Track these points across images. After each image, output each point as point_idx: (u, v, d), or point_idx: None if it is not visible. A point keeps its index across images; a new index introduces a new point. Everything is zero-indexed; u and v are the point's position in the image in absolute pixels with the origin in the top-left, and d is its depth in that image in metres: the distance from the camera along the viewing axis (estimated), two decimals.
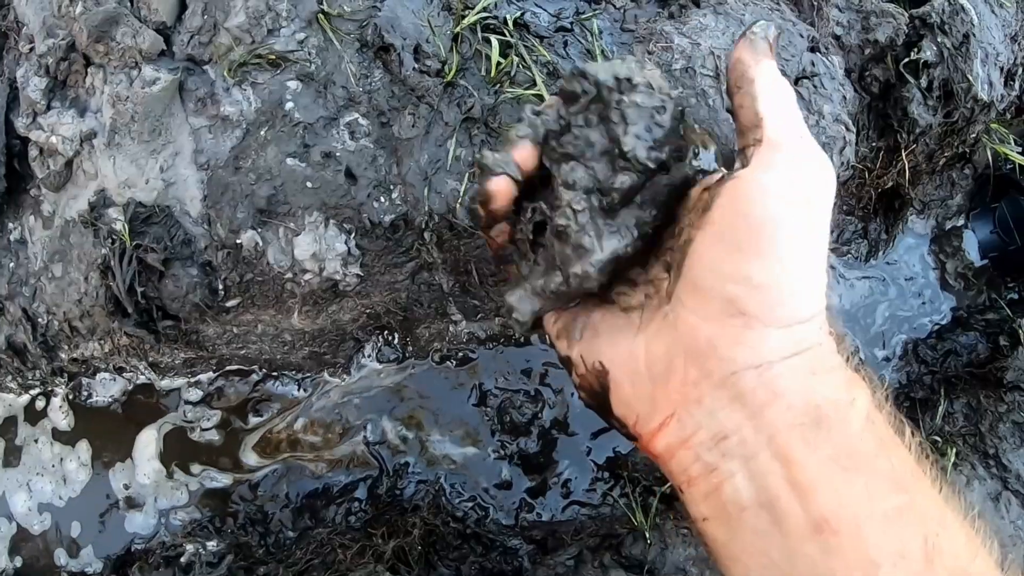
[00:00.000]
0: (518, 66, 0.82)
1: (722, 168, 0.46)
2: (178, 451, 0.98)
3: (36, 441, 1.03)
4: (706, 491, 0.37)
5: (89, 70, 0.95)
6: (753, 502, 0.35)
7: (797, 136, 0.39)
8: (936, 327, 1.07)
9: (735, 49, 0.43)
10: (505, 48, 0.83)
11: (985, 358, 1.02)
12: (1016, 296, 1.11)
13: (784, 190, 0.37)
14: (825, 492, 0.33)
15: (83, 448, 0.98)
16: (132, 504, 0.95)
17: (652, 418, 0.39)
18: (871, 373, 0.39)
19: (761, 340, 0.36)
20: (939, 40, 0.95)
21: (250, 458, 0.96)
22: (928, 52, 0.94)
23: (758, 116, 0.40)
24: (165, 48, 0.91)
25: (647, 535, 0.84)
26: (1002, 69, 1.00)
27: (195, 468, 0.97)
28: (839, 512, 0.33)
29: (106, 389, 0.99)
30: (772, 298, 0.36)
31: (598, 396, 0.43)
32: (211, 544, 0.91)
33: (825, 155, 0.40)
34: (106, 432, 0.99)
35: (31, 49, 1.00)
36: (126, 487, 0.95)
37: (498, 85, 0.82)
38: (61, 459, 1.00)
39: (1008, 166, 1.09)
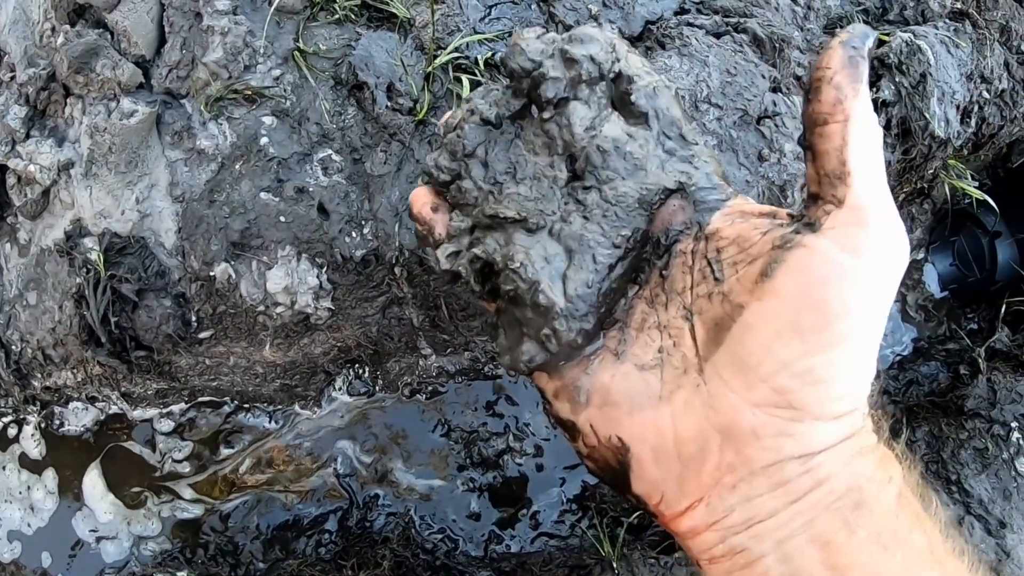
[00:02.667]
0: None
1: (726, 185, 0.40)
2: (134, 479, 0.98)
3: (3, 468, 1.03)
4: (729, 570, 0.36)
5: (68, 100, 0.96)
6: None
7: (884, 208, 0.34)
8: (898, 358, 1.10)
9: (827, 58, 0.34)
10: (476, 87, 0.85)
11: (946, 387, 1.05)
12: (975, 326, 1.14)
13: (865, 280, 0.33)
14: (863, 571, 0.33)
15: (50, 476, 0.98)
16: (103, 537, 0.95)
17: (679, 501, 0.37)
18: (901, 447, 0.38)
19: (809, 432, 0.34)
20: (897, 80, 0.98)
21: (186, 493, 0.96)
22: (887, 91, 0.98)
23: (844, 168, 0.34)
24: (143, 81, 0.93)
25: (615, 565, 0.85)
26: (958, 107, 1.04)
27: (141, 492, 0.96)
28: None
29: (78, 418, 0.99)
30: (828, 394, 0.33)
31: (614, 473, 0.39)
32: (181, 575, 0.91)
33: (902, 225, 0.35)
34: (76, 462, 0.99)
35: (12, 77, 1.02)
36: (93, 531, 0.94)
37: None
38: (28, 487, 1.00)
39: (966, 200, 1.13)
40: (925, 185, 1.06)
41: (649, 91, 0.40)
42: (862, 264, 0.33)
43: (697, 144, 0.41)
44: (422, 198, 0.45)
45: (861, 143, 0.34)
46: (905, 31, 1.01)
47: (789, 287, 0.33)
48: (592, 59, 0.40)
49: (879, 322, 0.34)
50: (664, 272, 0.39)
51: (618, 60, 0.41)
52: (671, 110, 0.40)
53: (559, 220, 0.40)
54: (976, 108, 1.07)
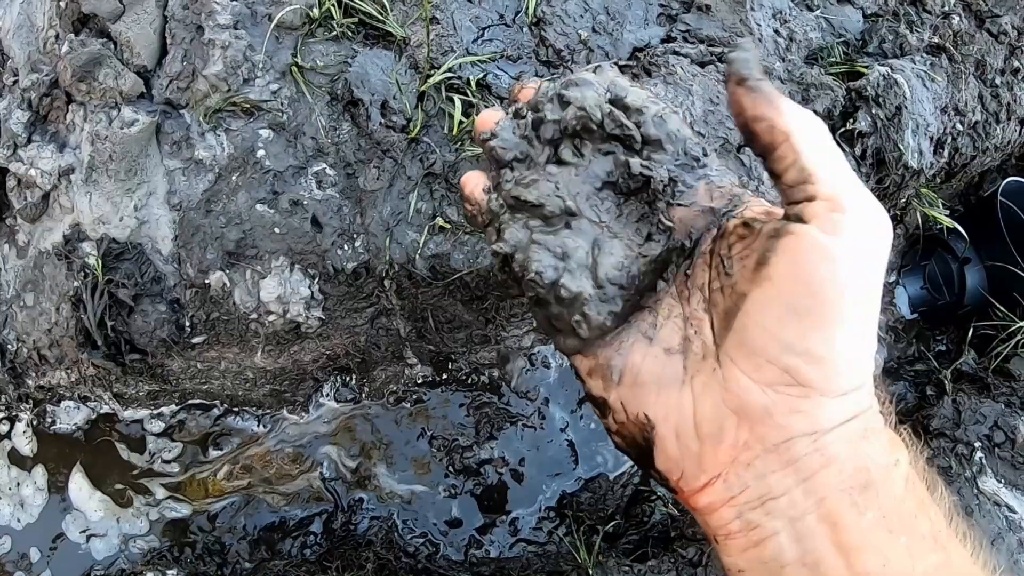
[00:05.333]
0: None
1: (740, 188, 0.44)
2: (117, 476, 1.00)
3: None
4: (745, 546, 0.37)
5: (71, 107, 0.99)
6: (796, 561, 0.36)
7: (855, 190, 0.36)
8: None
9: (739, 105, 0.38)
10: (467, 107, 0.88)
11: (913, 406, 1.09)
12: (943, 348, 1.19)
13: (850, 258, 0.35)
14: (870, 553, 0.35)
15: (39, 473, 1.00)
16: (94, 535, 0.97)
17: (698, 478, 0.39)
18: (908, 432, 0.39)
19: (817, 409, 0.35)
20: (873, 112, 1.02)
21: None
22: (863, 123, 1.02)
23: (805, 172, 0.36)
24: (145, 91, 0.95)
25: (590, 572, 0.88)
26: (932, 138, 1.08)
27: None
28: (883, 573, 0.34)
29: (70, 417, 1.01)
30: (831, 370, 0.35)
31: (639, 448, 0.42)
32: (170, 573, 0.93)
33: (881, 207, 0.37)
34: (66, 459, 1.01)
35: (15, 82, 1.04)
36: (84, 531, 0.97)
37: (459, 143, 0.87)
38: (18, 483, 1.02)
39: (937, 227, 1.17)
40: (898, 212, 1.10)
41: (657, 119, 0.44)
42: (846, 244, 0.35)
43: (708, 156, 0.45)
44: (475, 180, 0.49)
45: (810, 145, 0.37)
46: (883, 64, 1.05)
47: (782, 272, 0.36)
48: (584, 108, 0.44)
49: (872, 297, 0.36)
50: (688, 271, 0.43)
51: (624, 94, 0.45)
52: (682, 131, 0.44)
53: (587, 213, 0.44)
54: (949, 139, 1.11)
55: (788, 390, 0.35)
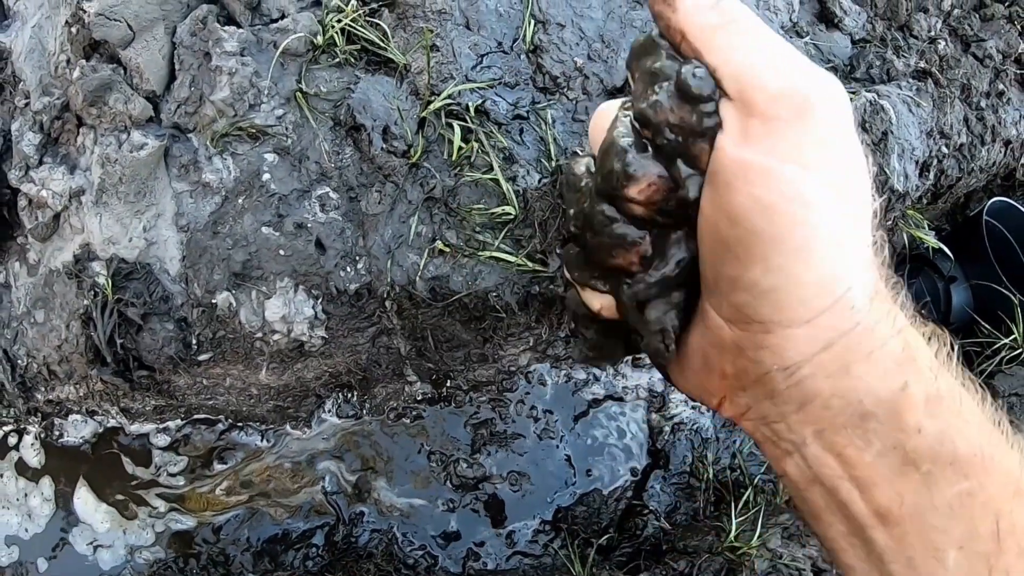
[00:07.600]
0: (478, 151, 0.91)
1: None
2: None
3: (1, 476, 1.07)
4: (773, 456, 0.36)
5: (81, 130, 1.02)
6: (814, 483, 0.34)
7: (770, 78, 0.30)
8: None
9: (652, 11, 0.33)
10: (466, 133, 0.91)
11: None
12: None
13: (767, 169, 0.29)
14: (882, 487, 0.32)
15: (47, 484, 1.03)
16: (100, 546, 1.00)
17: (709, 400, 0.38)
18: (936, 329, 0.34)
19: (782, 342, 0.32)
20: (860, 137, 1.05)
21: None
22: None
23: (711, 68, 0.31)
24: (153, 115, 0.98)
25: None
26: (917, 162, 1.11)
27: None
28: (899, 506, 0.32)
29: (77, 430, 1.03)
30: (783, 300, 0.31)
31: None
32: None
33: (821, 71, 0.31)
34: (73, 471, 1.04)
35: (26, 104, 1.07)
36: (91, 543, 0.99)
37: (459, 168, 0.90)
38: (26, 494, 1.04)
39: (923, 247, 1.20)
40: (885, 233, 1.13)
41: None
42: (759, 152, 0.29)
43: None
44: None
45: (708, 35, 0.31)
46: (870, 90, 1.08)
47: (707, 205, 0.32)
48: None
49: (821, 192, 0.30)
50: None
51: None
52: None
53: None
54: (935, 162, 1.14)
55: (749, 327, 0.33)
